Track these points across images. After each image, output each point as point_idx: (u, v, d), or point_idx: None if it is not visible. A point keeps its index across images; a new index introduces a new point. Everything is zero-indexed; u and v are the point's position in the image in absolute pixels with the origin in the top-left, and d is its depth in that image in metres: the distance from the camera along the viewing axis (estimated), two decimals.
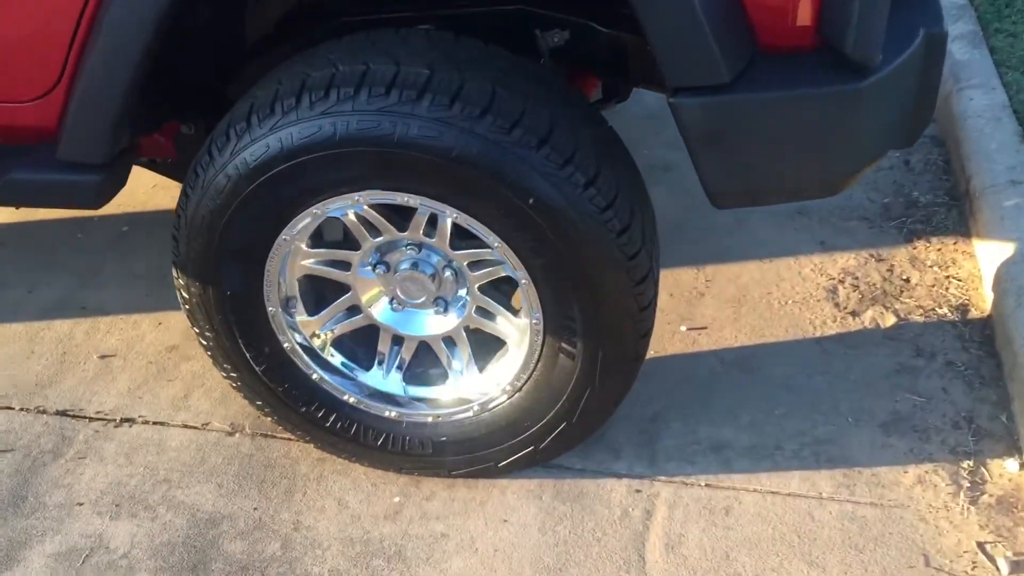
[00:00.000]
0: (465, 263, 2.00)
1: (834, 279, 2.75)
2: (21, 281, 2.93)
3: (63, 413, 2.49)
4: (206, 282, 2.01)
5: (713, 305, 2.70)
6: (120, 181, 2.10)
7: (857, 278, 2.75)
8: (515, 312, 2.05)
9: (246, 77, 2.16)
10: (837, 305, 2.67)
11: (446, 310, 2.09)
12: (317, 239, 2.07)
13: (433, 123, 1.76)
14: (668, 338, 2.60)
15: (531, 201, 1.78)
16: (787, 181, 1.84)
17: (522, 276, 1.92)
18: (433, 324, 2.12)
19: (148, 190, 3.23)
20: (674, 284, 2.77)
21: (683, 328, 2.63)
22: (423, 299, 2.07)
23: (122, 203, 3.21)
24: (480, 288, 2.04)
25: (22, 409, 2.51)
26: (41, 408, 2.51)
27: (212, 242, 1.96)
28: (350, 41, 1.92)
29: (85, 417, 2.48)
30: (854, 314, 2.64)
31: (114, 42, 1.85)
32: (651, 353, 2.51)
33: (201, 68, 2.15)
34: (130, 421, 2.46)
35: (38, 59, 1.96)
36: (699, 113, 1.73)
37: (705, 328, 2.63)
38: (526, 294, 1.95)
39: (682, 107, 1.73)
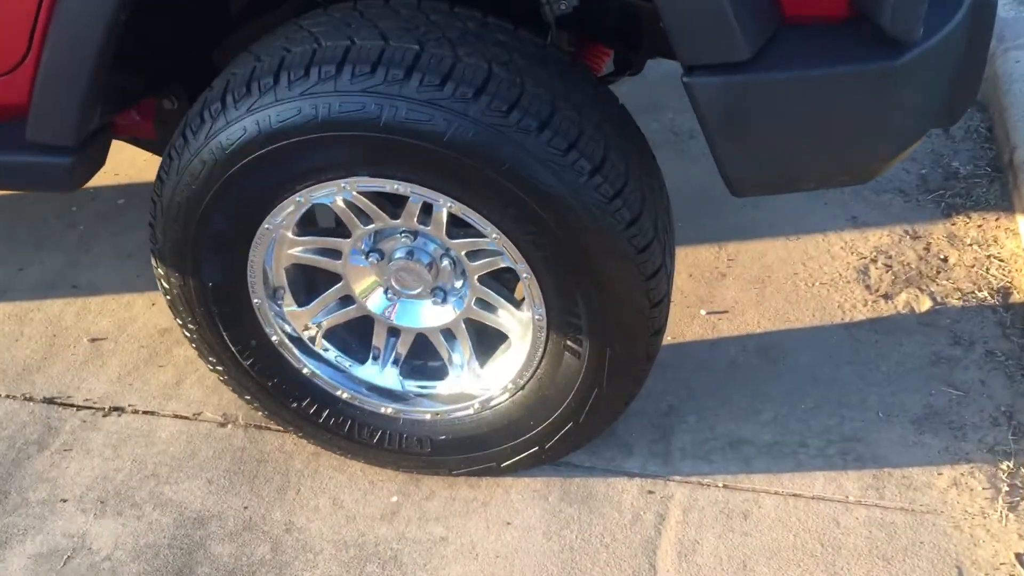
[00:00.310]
0: (463, 252, 1.86)
1: (865, 258, 2.58)
2: (12, 258, 2.82)
3: (50, 400, 2.38)
4: (185, 273, 1.88)
5: (735, 287, 2.54)
6: (95, 163, 1.96)
7: (890, 257, 2.57)
8: (518, 305, 1.90)
9: (232, 46, 2.01)
10: (868, 287, 2.50)
11: (444, 301, 1.95)
12: (309, 225, 1.92)
13: (423, 105, 1.60)
14: (687, 323, 2.45)
15: (504, 167, 1.62)
16: (814, 168, 1.67)
17: (523, 269, 1.77)
18: (431, 316, 1.98)
19: (146, 159, 3.08)
20: (694, 264, 2.61)
21: (703, 312, 2.47)
22: (420, 289, 1.93)
23: (119, 173, 3.09)
24: (480, 279, 1.89)
25: (8, 396, 2.40)
26: (28, 395, 2.40)
27: (189, 231, 1.82)
28: (336, 11, 1.75)
29: (73, 405, 2.37)
30: (886, 297, 2.46)
31: (77, 12, 1.70)
32: (668, 339, 2.37)
33: (178, 38, 1.99)
34: (119, 410, 2.35)
35: (2, 30, 1.81)
36: (716, 94, 1.56)
37: (726, 312, 2.47)
38: (528, 288, 1.80)
39: (697, 87, 1.55)
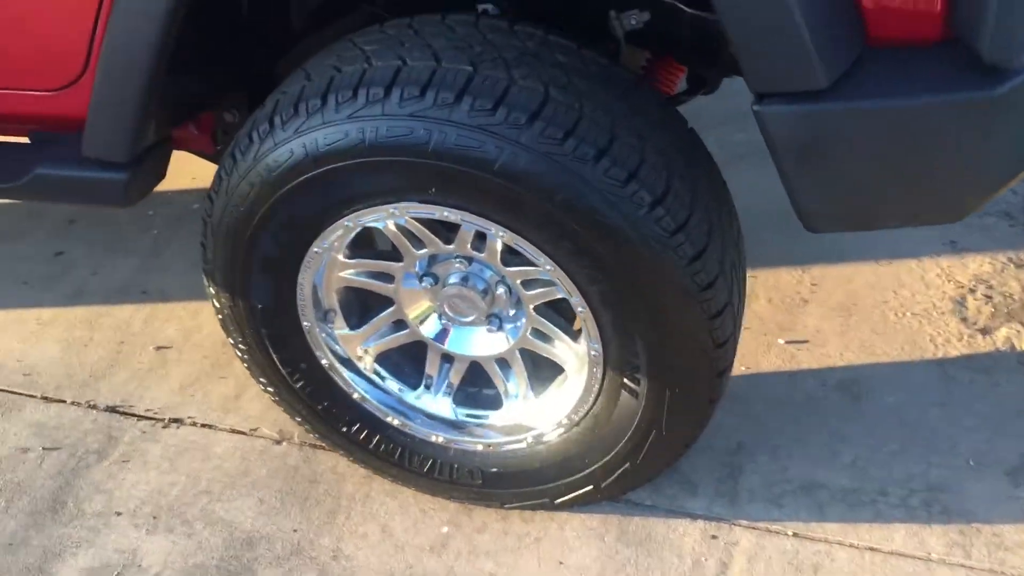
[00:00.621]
0: (519, 281, 1.77)
1: (963, 287, 2.39)
2: (87, 262, 2.85)
3: (113, 409, 2.38)
4: (235, 293, 1.84)
5: (817, 314, 2.39)
6: (153, 178, 1.94)
7: (991, 287, 2.38)
8: (575, 337, 1.80)
9: (294, 59, 1.96)
10: (965, 320, 2.31)
11: (499, 329, 1.86)
12: (365, 246, 1.86)
13: (473, 131, 1.52)
14: (763, 352, 2.31)
15: (558, 198, 1.52)
16: (899, 205, 1.52)
17: (578, 303, 1.68)
18: (485, 344, 1.90)
19: None
20: (774, 287, 2.46)
21: (781, 341, 2.33)
22: (474, 316, 1.85)
23: (196, 177, 3.08)
24: (536, 308, 1.80)
25: (73, 403, 2.41)
26: (92, 403, 2.41)
27: (238, 253, 1.78)
28: (390, 28, 1.68)
29: (134, 415, 2.36)
30: (984, 332, 2.28)
31: (127, 28, 1.67)
32: (741, 370, 2.24)
33: (234, 53, 1.95)
34: (178, 422, 2.33)
35: (58, 43, 1.80)
36: (790, 125, 1.43)
37: (806, 342, 2.32)
38: (584, 322, 1.71)
39: (768, 117, 1.43)
